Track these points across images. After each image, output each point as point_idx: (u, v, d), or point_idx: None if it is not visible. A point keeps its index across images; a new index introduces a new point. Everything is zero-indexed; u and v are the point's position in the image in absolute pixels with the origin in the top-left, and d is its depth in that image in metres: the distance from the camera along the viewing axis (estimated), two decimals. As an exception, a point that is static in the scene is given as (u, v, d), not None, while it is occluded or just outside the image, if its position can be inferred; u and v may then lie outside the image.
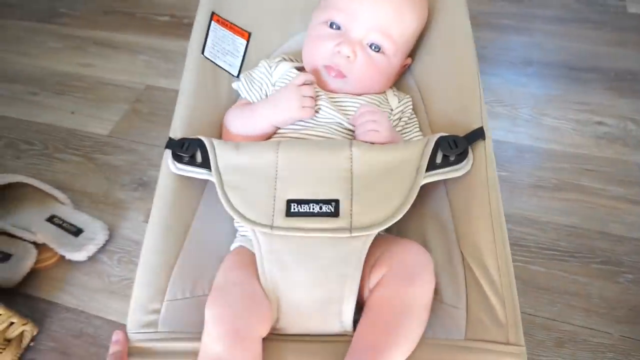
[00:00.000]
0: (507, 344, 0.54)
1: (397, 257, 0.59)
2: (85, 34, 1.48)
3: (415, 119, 0.77)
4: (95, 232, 0.94)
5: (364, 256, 0.58)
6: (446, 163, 0.62)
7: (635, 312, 0.84)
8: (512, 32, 1.43)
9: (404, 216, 0.60)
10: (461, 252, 0.62)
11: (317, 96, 0.70)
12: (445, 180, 0.65)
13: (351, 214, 0.59)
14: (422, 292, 0.57)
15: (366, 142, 0.64)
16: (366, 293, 0.59)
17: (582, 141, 1.11)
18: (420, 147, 0.63)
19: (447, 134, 0.63)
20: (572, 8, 1.50)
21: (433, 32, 0.79)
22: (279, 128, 0.71)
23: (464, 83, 0.71)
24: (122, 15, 1.55)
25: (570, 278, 0.89)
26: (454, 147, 0.62)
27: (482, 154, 0.64)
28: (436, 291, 0.61)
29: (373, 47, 0.71)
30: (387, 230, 0.66)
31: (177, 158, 0.63)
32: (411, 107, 0.78)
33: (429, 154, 0.62)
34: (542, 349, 0.81)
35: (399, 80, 0.83)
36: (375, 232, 0.58)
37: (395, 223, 0.59)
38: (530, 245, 0.93)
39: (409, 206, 0.60)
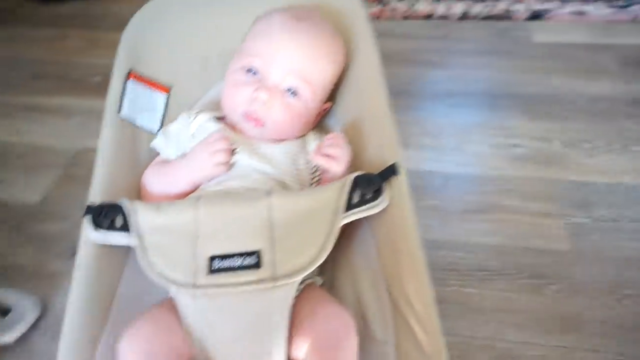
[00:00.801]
0: (433, 374, 0.57)
1: (322, 322, 0.59)
2: (13, 100, 1.47)
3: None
4: (25, 310, 0.90)
5: (290, 305, 0.59)
6: (363, 201, 0.65)
7: (562, 321, 0.89)
8: (435, 67, 1.54)
9: (334, 258, 0.62)
10: (387, 287, 0.64)
11: (234, 148, 0.72)
12: (368, 219, 0.68)
13: (274, 263, 0.60)
14: (347, 356, 0.57)
15: (323, 167, 0.70)
16: (292, 353, 0.59)
17: (501, 163, 1.19)
18: (337, 188, 0.65)
19: (362, 173, 0.67)
20: (487, 41, 1.62)
21: (349, 75, 0.84)
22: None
23: (378, 122, 0.75)
24: (53, 79, 1.55)
25: (501, 296, 0.93)
26: (369, 185, 0.65)
27: (398, 189, 0.67)
28: (367, 327, 0.63)
29: (290, 92, 0.74)
30: (321, 270, 0.68)
31: (96, 224, 0.63)
32: None
33: (346, 194, 0.65)
34: (481, 369, 0.84)
35: (322, 122, 0.86)
36: (299, 278, 0.60)
37: (327, 265, 0.61)
38: (462, 269, 0.98)
39: (330, 249, 0.62)
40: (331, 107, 0.85)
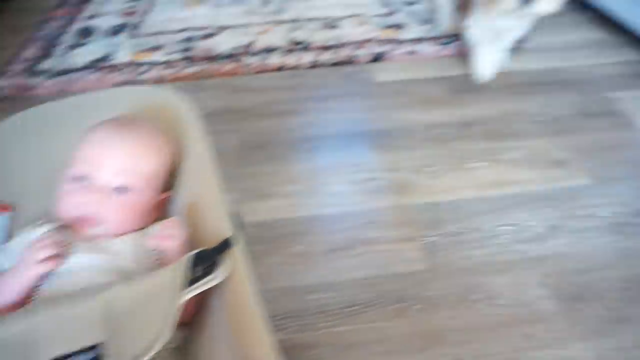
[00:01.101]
0: None
1: None
2: None
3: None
4: None
5: (132, 391, 0.57)
6: (200, 276, 0.67)
7: (428, 337, 0.95)
8: (291, 115, 1.61)
9: (192, 328, 0.62)
10: (241, 352, 0.65)
11: (67, 247, 0.71)
12: (216, 290, 0.70)
13: (118, 353, 0.59)
14: None
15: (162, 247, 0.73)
16: None
17: (359, 198, 1.27)
18: (174, 268, 0.67)
19: (197, 250, 0.69)
20: (336, 86, 1.74)
21: (184, 165, 0.89)
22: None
23: (212, 204, 0.79)
24: None
25: (370, 327, 0.97)
26: (204, 261, 0.67)
27: (234, 260, 0.70)
28: None
29: (120, 190, 0.76)
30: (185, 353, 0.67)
31: None
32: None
33: (183, 272, 0.66)
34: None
35: (166, 210, 0.88)
36: None
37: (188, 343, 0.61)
38: (333, 309, 1.01)
39: (170, 328, 0.62)
40: (169, 196, 0.87)
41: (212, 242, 0.73)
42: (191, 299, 0.71)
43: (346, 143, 1.47)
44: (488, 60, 1.68)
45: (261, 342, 0.64)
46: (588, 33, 1.99)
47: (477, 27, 1.62)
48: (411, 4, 2.30)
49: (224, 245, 0.70)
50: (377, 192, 1.29)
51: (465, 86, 1.70)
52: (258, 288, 1.06)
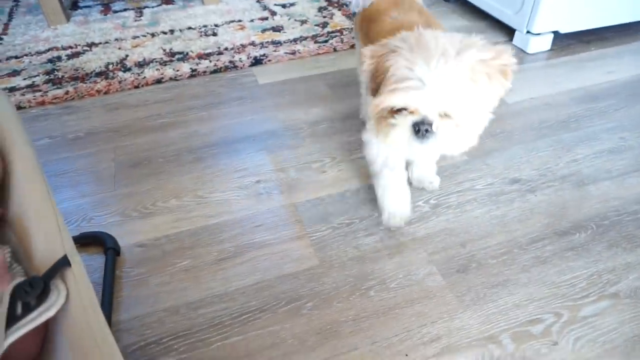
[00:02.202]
0: None
1: None
2: None
3: (18, 267, 0.72)
4: None
5: None
6: (28, 309, 0.58)
7: (323, 333, 0.94)
8: (172, 128, 1.53)
9: None
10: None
11: None
12: (55, 323, 0.62)
13: None
14: None
15: None
16: None
17: (247, 203, 1.23)
18: None
19: (20, 280, 0.60)
20: (217, 93, 1.70)
21: (10, 178, 0.78)
22: None
23: (41, 217, 0.70)
24: None
25: (265, 332, 0.94)
26: (31, 291, 0.59)
27: (74, 281, 0.62)
28: None
29: None
30: None
31: None
32: (8, 256, 0.73)
33: (6, 308, 0.57)
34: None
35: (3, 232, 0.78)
36: None
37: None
38: (225, 320, 0.96)
39: None
40: (2, 212, 0.77)
41: (45, 261, 0.64)
42: (28, 335, 0.62)
43: (231, 149, 1.42)
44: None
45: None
46: (454, 22, 2.13)
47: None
48: (289, 5, 2.31)
49: (59, 265, 0.62)
50: (265, 195, 1.26)
51: (344, 81, 1.73)
52: (142, 312, 0.99)
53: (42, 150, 1.44)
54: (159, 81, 1.75)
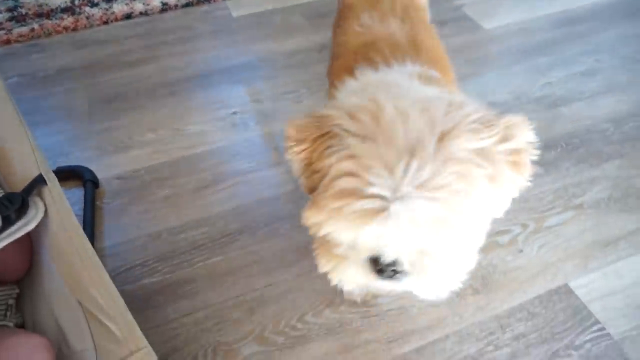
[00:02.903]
0: (132, 353, 0.56)
1: (3, 353, 0.55)
2: None
3: None
4: None
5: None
6: (9, 222, 0.60)
7: (300, 251, 0.98)
8: (144, 63, 1.50)
9: (31, 295, 0.57)
10: (76, 298, 0.61)
11: None
12: (40, 243, 0.64)
13: None
14: None
15: None
16: None
17: (224, 134, 1.24)
18: None
19: (1, 195, 0.62)
20: (190, 27, 1.65)
21: None
22: None
23: (15, 140, 0.71)
24: None
25: (245, 252, 0.98)
26: (11, 205, 0.61)
27: (52, 199, 0.64)
28: (67, 344, 0.59)
29: None
30: (19, 311, 0.62)
31: None
32: None
33: None
34: (238, 327, 0.87)
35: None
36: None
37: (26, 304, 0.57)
38: (206, 243, 0.99)
39: None
40: None
41: (21, 180, 0.66)
42: (17, 251, 0.65)
43: (207, 82, 1.41)
44: None
45: (102, 285, 0.61)
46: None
47: None
48: None
49: (34, 184, 0.64)
50: (242, 125, 1.26)
51: (321, 11, 1.69)
52: (125, 239, 1.01)
53: (13, 89, 1.41)
54: (128, 16, 1.70)
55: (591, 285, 0.92)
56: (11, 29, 1.63)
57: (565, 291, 0.92)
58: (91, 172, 1.12)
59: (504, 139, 0.50)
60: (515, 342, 0.85)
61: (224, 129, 1.25)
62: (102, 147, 1.22)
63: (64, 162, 1.18)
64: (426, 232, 0.47)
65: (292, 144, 0.53)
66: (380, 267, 0.52)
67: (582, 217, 1.03)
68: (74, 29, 1.65)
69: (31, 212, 0.61)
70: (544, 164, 1.14)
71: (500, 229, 1.00)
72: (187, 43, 1.57)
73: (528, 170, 0.52)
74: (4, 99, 0.75)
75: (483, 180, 0.49)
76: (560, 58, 1.46)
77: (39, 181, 0.64)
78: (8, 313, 0.64)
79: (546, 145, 1.18)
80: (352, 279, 0.56)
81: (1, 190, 0.68)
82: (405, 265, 0.51)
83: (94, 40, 1.60)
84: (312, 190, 0.53)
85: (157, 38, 1.60)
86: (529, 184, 0.54)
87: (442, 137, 0.48)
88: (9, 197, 0.61)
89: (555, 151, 1.17)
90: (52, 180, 0.65)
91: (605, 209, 1.04)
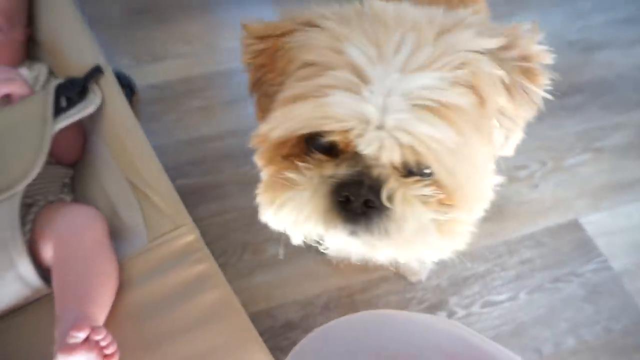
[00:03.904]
0: (176, 228, 0.62)
1: (62, 219, 0.61)
2: None
3: (55, 81, 0.78)
4: None
5: (17, 217, 0.58)
6: (72, 104, 0.65)
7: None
8: None
9: (82, 175, 0.63)
10: (126, 177, 0.67)
11: None
12: (94, 127, 0.69)
13: None
14: (94, 235, 0.60)
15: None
16: (42, 258, 0.61)
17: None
18: (40, 98, 0.65)
19: (63, 80, 0.67)
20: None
21: (35, 2, 0.81)
22: None
23: (75, 32, 0.75)
24: None
25: (273, 164, 1.03)
26: (72, 88, 0.65)
27: (108, 87, 0.69)
28: (119, 219, 0.66)
29: None
30: (72, 189, 0.68)
31: None
32: (46, 71, 0.78)
33: (52, 101, 0.64)
34: (264, 229, 0.94)
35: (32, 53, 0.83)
36: (16, 190, 0.59)
37: (77, 183, 0.61)
38: (236, 152, 1.04)
39: (44, 157, 0.62)
40: (31, 32, 0.82)
41: (80, 69, 0.71)
42: (73, 136, 0.70)
43: (239, 1, 1.40)
44: None
45: (150, 165, 0.66)
46: None
47: None
48: None
49: (94, 72, 0.69)
50: (275, 45, 1.27)
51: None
52: (159, 143, 1.06)
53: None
54: None
55: (600, 223, 0.97)
56: None
57: (574, 225, 0.96)
58: (128, 77, 1.15)
59: (512, 45, 0.42)
60: (520, 266, 0.91)
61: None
62: (138, 56, 1.24)
63: (100, 67, 1.21)
64: (423, 133, 0.34)
65: (251, 41, 0.43)
66: (346, 194, 0.37)
67: (600, 159, 1.06)
68: None
69: (91, 96, 0.66)
70: (568, 107, 1.15)
71: (518, 164, 1.04)
72: None
73: (543, 79, 0.44)
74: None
75: (498, 84, 0.40)
76: (601, 2, 1.42)
77: (97, 70, 0.68)
78: (65, 189, 0.70)
79: (573, 89, 1.19)
80: (307, 221, 0.40)
81: (57, 80, 0.72)
82: (385, 193, 0.36)
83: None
84: (265, 110, 0.44)
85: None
86: (548, 95, 0.45)
87: (442, 32, 0.39)
88: (72, 81, 0.65)
89: (582, 95, 1.18)
90: (107, 71, 0.69)
91: (624, 154, 1.07)
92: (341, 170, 0.38)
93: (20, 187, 0.58)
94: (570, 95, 1.17)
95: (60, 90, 0.64)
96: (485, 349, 0.31)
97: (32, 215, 0.61)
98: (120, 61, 1.24)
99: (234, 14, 1.36)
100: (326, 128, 0.36)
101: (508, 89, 0.41)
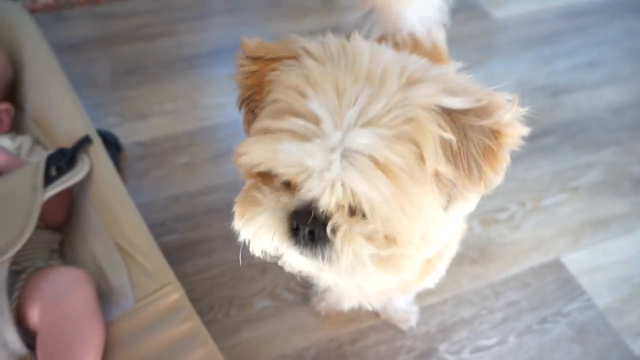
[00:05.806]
0: (162, 287, 0.63)
1: (48, 284, 0.62)
2: None
3: (39, 150, 0.80)
4: None
5: (4, 285, 0.59)
6: (61, 172, 0.67)
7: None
8: (163, 37, 1.55)
9: (71, 240, 0.64)
10: (113, 239, 0.68)
11: None
12: (84, 193, 0.71)
13: None
14: (81, 300, 0.61)
15: None
16: (29, 322, 0.61)
17: (239, 107, 1.29)
18: (31, 168, 0.67)
19: (53, 150, 0.69)
20: (206, 3, 1.70)
21: (26, 75, 0.85)
22: None
23: (64, 105, 0.78)
24: None
25: (258, 217, 1.04)
26: (62, 158, 0.68)
27: (96, 155, 0.72)
28: (106, 281, 0.66)
29: None
30: (62, 254, 0.69)
31: None
32: (30, 141, 0.81)
33: (42, 171, 0.66)
34: (251, 283, 0.94)
35: (18, 125, 0.86)
36: (5, 257, 0.60)
37: (66, 248, 0.62)
38: (222, 207, 1.06)
39: (32, 226, 0.63)
40: (10, 107, 0.85)
41: (70, 140, 0.73)
42: (61, 201, 0.72)
43: (223, 58, 1.46)
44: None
45: (137, 227, 0.68)
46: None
47: None
48: None
49: (82, 142, 0.71)
50: (257, 100, 1.32)
51: (338, -5, 1.73)
52: (146, 200, 1.08)
53: (37, 57, 1.46)
54: (148, -9, 1.74)
55: (581, 261, 0.99)
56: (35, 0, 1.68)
57: (556, 265, 0.98)
58: (114, 136, 1.18)
59: (485, 111, 0.41)
60: (507, 308, 0.92)
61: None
62: (123, 114, 1.28)
63: (87, 128, 1.24)
64: (363, 180, 0.37)
65: (244, 61, 0.47)
66: (297, 224, 0.42)
67: (576, 198, 1.09)
68: (95, 2, 1.70)
69: (79, 165, 0.68)
70: (543, 149, 1.20)
71: (499, 206, 1.07)
72: (203, 19, 1.62)
73: (501, 164, 0.42)
74: (53, 66, 0.82)
75: (439, 148, 0.40)
76: (565, 49, 1.51)
77: (86, 140, 0.71)
78: (54, 255, 0.70)
79: (546, 131, 1.24)
80: (265, 237, 0.45)
81: (42, 150, 0.75)
82: (330, 227, 0.41)
83: (115, 14, 1.65)
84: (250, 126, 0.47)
85: (174, 14, 1.65)
86: (494, 186, 0.43)
87: (408, 83, 0.41)
88: (62, 151, 0.68)
89: (555, 137, 1.23)
90: (96, 140, 0.72)
91: (599, 192, 1.11)
92: (295, 200, 0.43)
93: (10, 254, 0.59)
94: (543, 137, 1.23)
95: (50, 161, 0.67)
96: None
97: (20, 282, 0.62)
98: (108, 120, 1.27)
99: (217, 72, 1.42)
100: (277, 171, 0.41)
101: (454, 155, 0.40)
